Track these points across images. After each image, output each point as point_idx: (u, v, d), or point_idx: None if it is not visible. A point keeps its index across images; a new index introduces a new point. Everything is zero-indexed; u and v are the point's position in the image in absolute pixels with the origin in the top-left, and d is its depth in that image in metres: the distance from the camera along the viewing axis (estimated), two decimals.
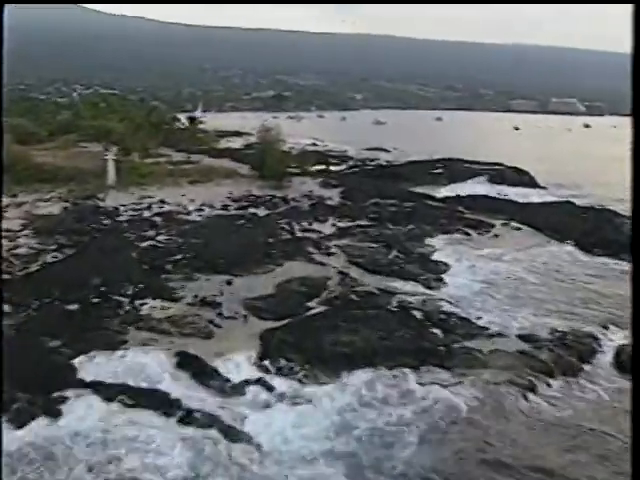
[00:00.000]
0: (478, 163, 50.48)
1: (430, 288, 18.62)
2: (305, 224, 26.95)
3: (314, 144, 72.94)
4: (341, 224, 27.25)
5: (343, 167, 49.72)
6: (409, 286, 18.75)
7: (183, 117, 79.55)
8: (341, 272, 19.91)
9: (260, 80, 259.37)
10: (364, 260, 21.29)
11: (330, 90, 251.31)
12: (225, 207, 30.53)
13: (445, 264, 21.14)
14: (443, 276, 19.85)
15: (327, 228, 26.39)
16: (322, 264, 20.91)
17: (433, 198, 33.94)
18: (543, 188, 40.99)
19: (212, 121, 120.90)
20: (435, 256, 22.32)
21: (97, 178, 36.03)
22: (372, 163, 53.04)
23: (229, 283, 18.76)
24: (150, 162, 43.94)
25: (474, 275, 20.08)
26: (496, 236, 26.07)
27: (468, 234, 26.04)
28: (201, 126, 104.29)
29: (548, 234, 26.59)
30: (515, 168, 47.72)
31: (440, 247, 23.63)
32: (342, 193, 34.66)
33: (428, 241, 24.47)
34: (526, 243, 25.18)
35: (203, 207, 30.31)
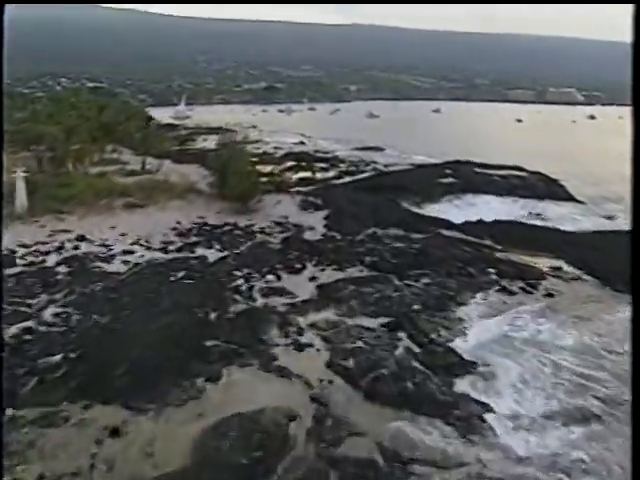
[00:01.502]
0: (493, 167, 42.38)
1: (472, 441, 10.36)
2: (271, 278, 18.66)
3: (301, 142, 65.06)
4: (323, 277, 18.92)
5: (331, 174, 41.41)
6: (434, 435, 10.49)
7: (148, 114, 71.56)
8: (316, 399, 11.66)
9: (252, 72, 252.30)
10: (356, 363, 13.01)
11: (323, 81, 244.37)
12: (165, 247, 22.07)
13: (489, 371, 12.89)
14: (491, 403, 11.61)
15: (302, 287, 18.02)
16: (287, 375, 12.63)
17: (449, 225, 25.63)
18: (581, 203, 32.85)
19: (197, 115, 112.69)
20: (469, 349, 14.03)
21: (11, 203, 27.50)
22: (367, 168, 44.67)
23: (115, 433, 10.48)
24: (95, 172, 35.49)
25: (541, 399, 11.80)
26: (550, 296, 17.75)
27: (510, 292, 17.75)
28: (186, 121, 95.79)
29: (618, 289, 18.39)
30: (539, 174, 39.75)
31: (473, 326, 15.34)
32: (327, 219, 26.21)
33: (454, 312, 16.15)
34: (594, 309, 17.00)
35: (135, 247, 21.90)
